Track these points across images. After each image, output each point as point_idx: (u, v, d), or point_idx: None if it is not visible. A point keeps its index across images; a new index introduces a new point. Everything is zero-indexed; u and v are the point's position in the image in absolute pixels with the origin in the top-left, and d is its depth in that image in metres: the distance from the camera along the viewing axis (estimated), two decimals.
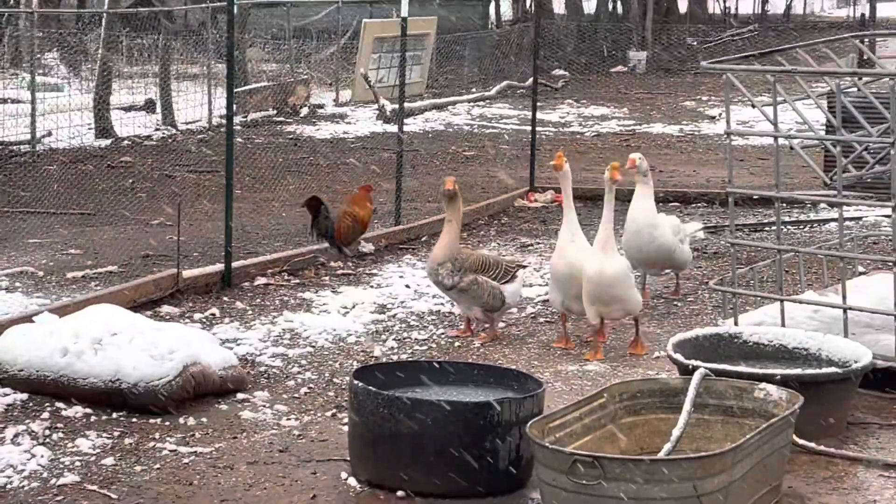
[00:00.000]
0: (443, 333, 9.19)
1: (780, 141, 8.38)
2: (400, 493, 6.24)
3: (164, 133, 20.82)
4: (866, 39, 13.47)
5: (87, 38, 23.14)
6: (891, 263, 7.92)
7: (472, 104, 26.24)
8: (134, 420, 7.29)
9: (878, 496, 6.32)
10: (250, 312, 9.72)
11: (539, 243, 12.56)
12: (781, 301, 8.25)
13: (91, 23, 24.06)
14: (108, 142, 19.48)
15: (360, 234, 11.93)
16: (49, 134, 19.17)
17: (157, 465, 6.62)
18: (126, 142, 19.60)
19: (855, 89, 9.83)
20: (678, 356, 7.32)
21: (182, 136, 20.55)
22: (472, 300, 9.01)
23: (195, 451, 6.80)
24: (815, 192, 13.85)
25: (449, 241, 9.04)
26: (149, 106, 22.64)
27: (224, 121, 20.43)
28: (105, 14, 20.90)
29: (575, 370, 8.36)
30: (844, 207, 8.46)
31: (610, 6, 42.58)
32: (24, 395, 7.55)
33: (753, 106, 8.55)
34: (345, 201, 12.05)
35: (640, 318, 8.85)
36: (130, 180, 16.11)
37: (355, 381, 6.47)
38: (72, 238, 12.43)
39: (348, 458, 6.57)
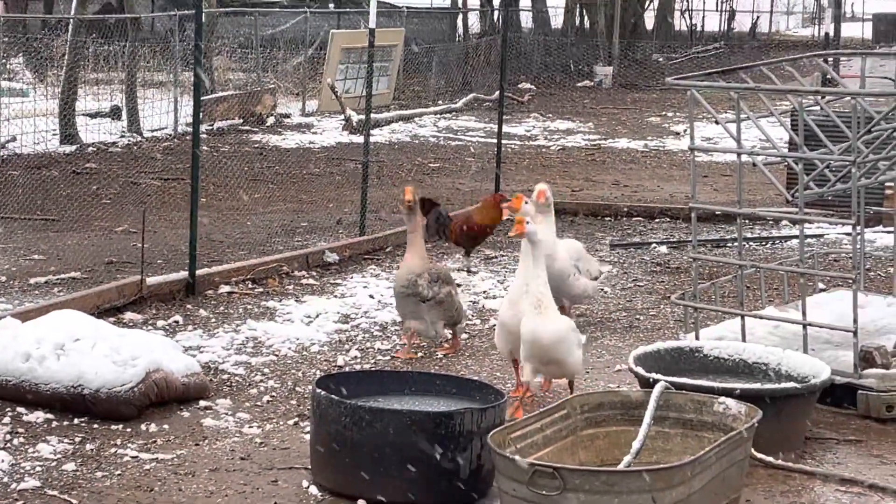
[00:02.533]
0: (405, 344, 9.19)
1: (743, 158, 8.45)
2: (361, 502, 6.26)
3: (129, 140, 20.78)
4: (830, 59, 13.58)
5: (54, 43, 23.06)
6: (850, 281, 7.99)
7: (438, 116, 26.29)
8: (96, 426, 7.29)
9: None
10: (214, 320, 9.73)
11: (503, 255, 12.60)
12: (742, 316, 8.32)
13: (57, 28, 23.98)
14: (73, 148, 19.43)
15: (477, 240, 11.82)
16: (13, 139, 19.11)
17: (119, 472, 6.62)
18: (91, 148, 19.56)
19: (818, 108, 9.93)
20: (639, 369, 7.38)
21: (147, 144, 20.52)
22: (442, 313, 8.89)
23: (157, 458, 6.81)
24: (777, 208, 13.96)
25: (421, 252, 8.92)
26: (114, 113, 22.59)
27: (189, 129, 20.43)
28: (72, 20, 20.84)
29: (536, 381, 8.38)
30: (806, 224, 8.54)
31: (577, 21, 42.71)
32: None
33: (717, 122, 8.61)
34: (477, 207, 12.00)
35: (578, 381, 8.04)
36: (95, 187, 16.08)
37: (318, 390, 6.50)
38: (35, 243, 12.40)
39: (310, 467, 6.59)
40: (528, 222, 7.54)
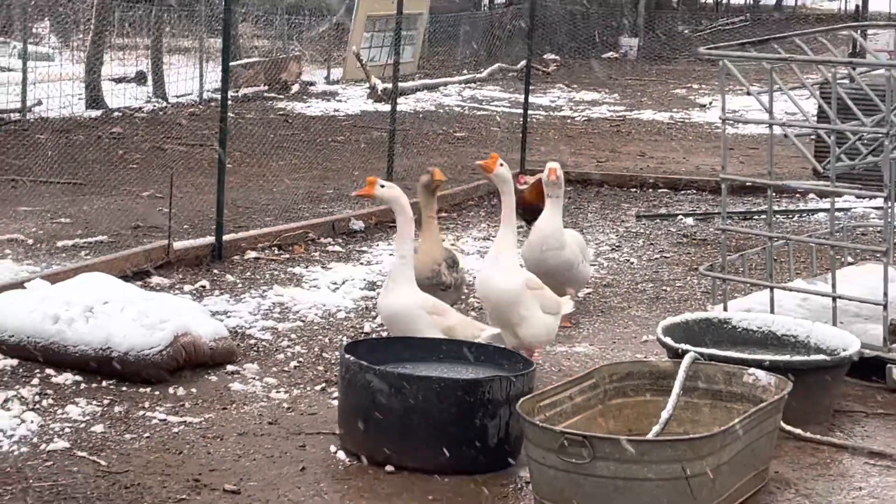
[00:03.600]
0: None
1: (774, 129, 8.40)
2: (388, 467, 6.26)
3: (154, 105, 20.79)
4: (859, 30, 13.48)
5: (80, 8, 23.06)
6: (880, 254, 7.95)
7: (463, 85, 26.23)
8: (124, 388, 7.30)
9: (863, 483, 6.36)
10: (240, 286, 9.73)
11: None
12: (771, 288, 8.29)
13: None
14: (99, 112, 19.45)
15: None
16: (39, 103, 19.13)
17: (147, 434, 6.64)
18: (117, 113, 19.57)
19: (848, 80, 9.86)
20: (668, 340, 7.36)
21: (173, 109, 20.52)
22: (456, 295, 8.52)
23: (185, 421, 6.82)
24: (807, 181, 13.90)
25: (438, 236, 8.49)
26: (140, 78, 22.60)
27: (214, 95, 20.44)
28: None
29: (564, 351, 8.39)
30: (836, 197, 8.50)
31: None
32: (15, 361, 7.56)
33: (748, 93, 8.57)
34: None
35: (544, 350, 7.86)
36: (121, 151, 16.09)
37: (346, 355, 6.49)
38: (62, 207, 12.42)
39: (337, 432, 6.60)
40: (501, 164, 7.63)
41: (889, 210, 8.25)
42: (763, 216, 12.60)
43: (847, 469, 6.55)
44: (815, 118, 12.64)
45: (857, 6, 41.49)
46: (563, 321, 8.08)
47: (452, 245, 11.58)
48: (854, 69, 9.23)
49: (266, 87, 23.53)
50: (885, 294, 7.71)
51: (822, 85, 11.84)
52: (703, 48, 8.58)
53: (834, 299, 7.96)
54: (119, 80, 22.05)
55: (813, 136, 13.32)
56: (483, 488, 6.13)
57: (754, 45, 9.10)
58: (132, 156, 15.83)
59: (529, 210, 11.51)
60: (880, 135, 8.08)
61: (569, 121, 21.66)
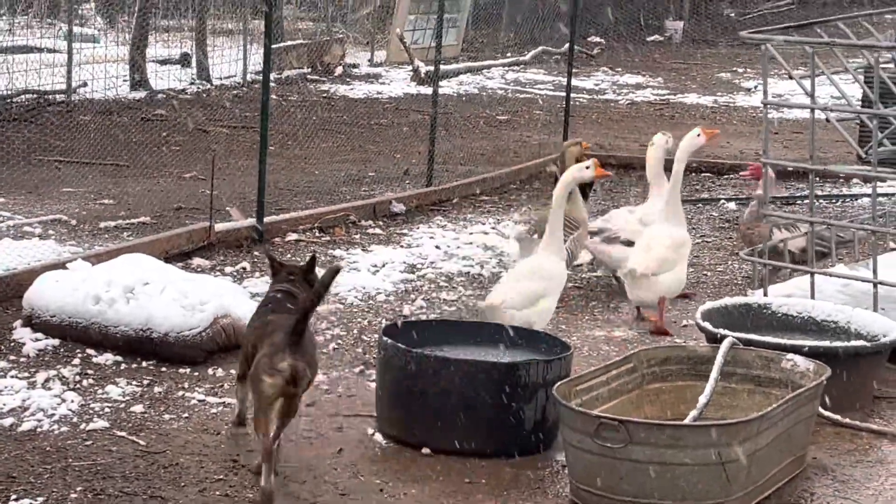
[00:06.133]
0: (471, 294, 9.20)
1: (817, 114, 8.35)
2: (425, 450, 6.28)
3: (198, 87, 20.85)
4: None
5: None
6: None
7: (506, 68, 26.17)
8: (163, 369, 7.35)
9: None
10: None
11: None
12: (812, 273, 8.25)
13: None
14: (143, 94, 19.53)
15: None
16: (84, 84, 19.21)
17: (186, 415, 6.68)
18: (161, 95, 19.65)
19: (892, 65, 9.79)
20: (706, 325, 7.34)
21: (216, 92, 20.58)
22: None
23: (224, 402, 6.86)
24: (849, 165, 13.81)
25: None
26: (184, 60, 22.66)
27: (258, 77, 20.47)
28: None
29: (602, 336, 8.39)
30: (878, 182, 8.45)
31: None
32: (56, 341, 7.63)
33: (791, 77, 8.52)
34: None
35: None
36: (164, 133, 16.16)
37: (384, 338, 6.51)
38: (105, 188, 12.49)
39: (375, 415, 6.62)
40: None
41: None
42: (806, 201, 12.53)
43: (886, 456, 6.53)
44: (859, 103, 12.55)
45: None
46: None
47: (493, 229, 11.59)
48: None
49: (309, 70, 23.55)
50: None
51: (866, 69, 11.74)
52: (745, 32, 8.53)
53: (875, 285, 7.92)
54: (163, 62, 22.10)
55: (857, 121, 13.23)
56: (519, 471, 6.14)
57: (797, 28, 9.05)
58: (175, 138, 15.90)
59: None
60: None
61: (612, 104, 21.58)
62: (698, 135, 8.67)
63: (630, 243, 9.05)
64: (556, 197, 7.67)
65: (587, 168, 8.08)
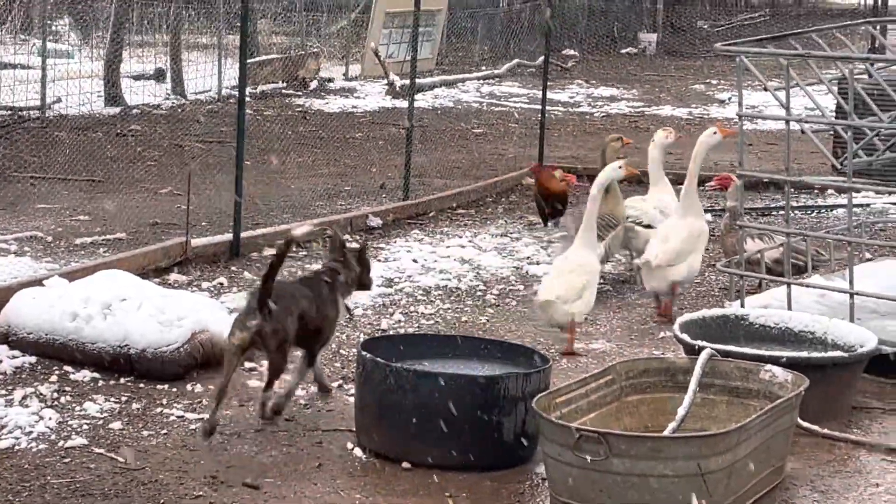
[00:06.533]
0: (448, 308, 9.21)
1: (791, 125, 8.39)
2: (405, 464, 6.28)
3: (173, 102, 20.82)
4: (878, 26, 13.45)
5: (99, 5, 23.10)
6: None
7: (481, 82, 26.21)
8: (141, 386, 7.33)
9: (880, 480, 6.36)
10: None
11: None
12: (788, 284, 8.28)
13: None
14: (118, 110, 19.48)
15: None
16: (59, 100, 19.17)
17: (165, 431, 6.66)
18: (135, 110, 19.61)
19: (866, 76, 9.84)
20: (685, 336, 7.35)
21: (191, 106, 20.55)
22: None
23: (202, 418, 6.83)
24: (825, 177, 13.86)
25: None
26: (159, 75, 22.63)
27: (233, 92, 20.44)
28: None
29: (580, 348, 8.39)
30: (853, 193, 8.48)
31: None
32: (33, 358, 7.60)
33: (765, 89, 8.56)
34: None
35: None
36: (140, 149, 16.13)
37: (363, 352, 6.51)
38: (80, 204, 12.45)
39: (354, 429, 6.61)
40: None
41: None
42: (781, 212, 12.58)
43: (864, 466, 6.55)
44: (834, 114, 12.61)
45: (874, 2, 41.34)
46: None
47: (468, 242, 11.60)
48: (872, 65, 9.22)
49: (284, 84, 23.54)
50: None
51: (840, 81, 11.80)
52: (720, 44, 8.57)
53: (851, 296, 7.95)
54: (138, 78, 22.07)
55: (831, 132, 13.29)
56: (499, 485, 6.14)
57: (771, 40, 9.09)
58: (151, 153, 15.87)
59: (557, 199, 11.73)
60: None
61: (587, 117, 21.63)
62: (714, 132, 9.09)
63: (649, 226, 9.82)
64: (591, 194, 8.23)
65: (619, 168, 8.64)
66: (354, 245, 7.59)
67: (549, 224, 11.90)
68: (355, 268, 7.25)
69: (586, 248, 8.24)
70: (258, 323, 6.53)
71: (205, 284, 9.57)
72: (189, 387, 7.34)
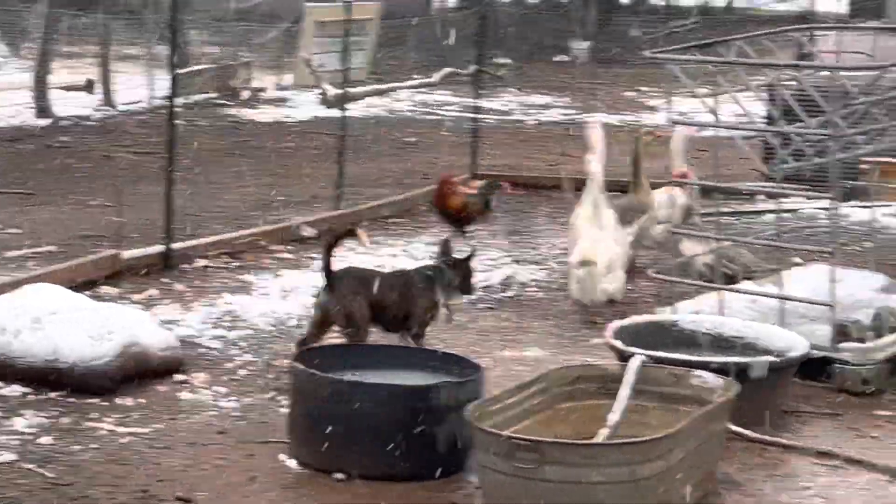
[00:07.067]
0: None
1: (720, 131, 8.45)
2: (338, 475, 6.26)
3: (103, 113, 20.66)
4: (807, 33, 13.55)
5: (28, 15, 22.89)
6: (827, 255, 8.01)
7: (414, 90, 26.19)
8: (72, 400, 7.25)
9: (811, 483, 6.41)
10: (190, 294, 9.69)
11: (479, 230, 12.58)
12: (719, 290, 8.33)
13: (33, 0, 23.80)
14: (48, 121, 19.31)
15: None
16: None
17: (95, 445, 6.60)
18: (65, 122, 19.44)
19: (794, 83, 9.93)
20: (618, 343, 7.38)
21: (121, 117, 20.40)
22: None
23: (133, 432, 6.78)
24: (754, 183, 13.95)
25: None
26: (89, 86, 22.45)
27: (164, 102, 20.31)
28: None
29: (514, 356, 8.40)
30: (782, 199, 8.55)
31: None
32: None
33: (695, 96, 8.61)
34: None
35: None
36: (70, 160, 15.98)
37: (295, 364, 6.49)
38: (10, 217, 12.31)
39: (287, 441, 6.58)
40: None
41: (835, 211, 8.32)
42: (712, 218, 12.64)
43: (795, 469, 6.60)
44: (764, 120, 12.70)
45: (803, 9, 41.74)
46: None
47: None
48: (800, 71, 9.30)
49: (216, 94, 23.42)
50: (832, 295, 7.77)
51: (770, 87, 11.89)
52: (649, 51, 8.62)
53: (781, 301, 8.01)
54: (68, 89, 21.88)
55: (761, 139, 13.39)
56: (433, 495, 6.14)
57: (700, 48, 9.14)
58: (81, 165, 15.73)
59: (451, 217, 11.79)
60: (825, 137, 8.13)
61: (520, 125, 21.68)
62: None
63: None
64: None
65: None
66: (464, 252, 8.18)
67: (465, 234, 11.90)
68: (460, 272, 7.99)
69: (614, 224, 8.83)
70: (325, 302, 7.60)
71: (136, 297, 9.49)
72: (119, 400, 7.28)
